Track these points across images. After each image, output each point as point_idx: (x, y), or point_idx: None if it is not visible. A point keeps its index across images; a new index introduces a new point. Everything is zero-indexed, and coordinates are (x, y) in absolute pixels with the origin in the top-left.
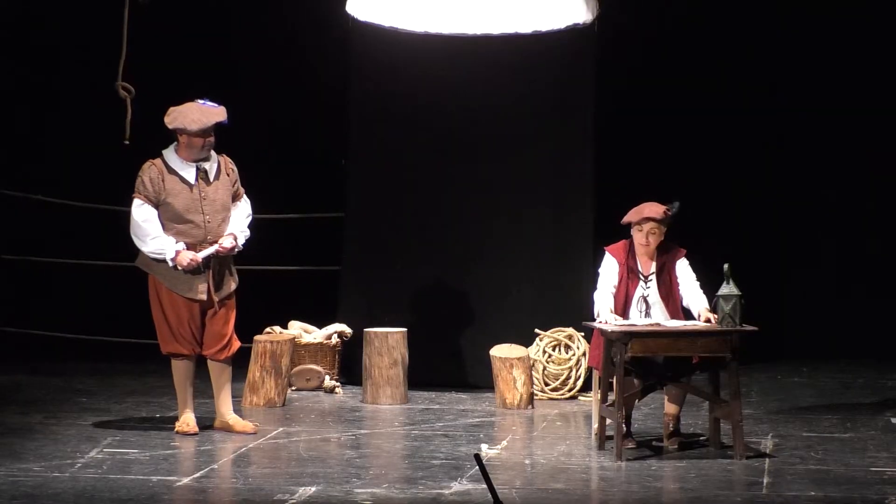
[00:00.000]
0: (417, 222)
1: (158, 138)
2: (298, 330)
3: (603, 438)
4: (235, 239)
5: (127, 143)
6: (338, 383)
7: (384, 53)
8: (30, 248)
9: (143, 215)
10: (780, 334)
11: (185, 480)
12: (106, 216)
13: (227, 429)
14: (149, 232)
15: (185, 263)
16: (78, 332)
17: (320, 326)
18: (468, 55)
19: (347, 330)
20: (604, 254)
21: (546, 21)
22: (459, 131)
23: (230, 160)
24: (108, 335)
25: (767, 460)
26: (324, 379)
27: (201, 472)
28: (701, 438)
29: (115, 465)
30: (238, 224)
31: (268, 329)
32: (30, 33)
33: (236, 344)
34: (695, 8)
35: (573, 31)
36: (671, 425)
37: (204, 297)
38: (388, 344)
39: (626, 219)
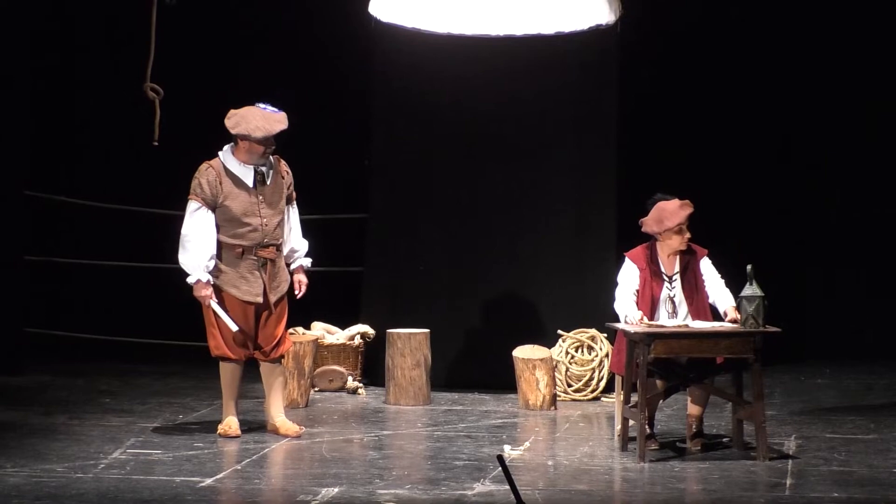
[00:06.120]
0: (440, 223)
1: (187, 140)
2: (321, 331)
3: (626, 439)
4: (302, 283)
5: (156, 144)
6: (360, 384)
7: (407, 54)
8: (54, 250)
9: (193, 224)
10: (803, 335)
11: (209, 481)
12: (131, 217)
13: (275, 431)
14: (190, 242)
15: (196, 294)
16: (101, 333)
17: (343, 327)
18: (490, 56)
19: (370, 331)
20: (623, 259)
21: (569, 22)
22: (482, 132)
23: (284, 162)
24: (131, 336)
25: (791, 461)
26: (346, 380)
27: (224, 472)
28: (724, 439)
29: (139, 466)
30: (301, 251)
31: (291, 330)
32: (57, 34)
33: (287, 344)
34: (718, 8)
35: (596, 32)
36: (694, 426)
37: (260, 299)
38: (411, 345)
39: (663, 227)
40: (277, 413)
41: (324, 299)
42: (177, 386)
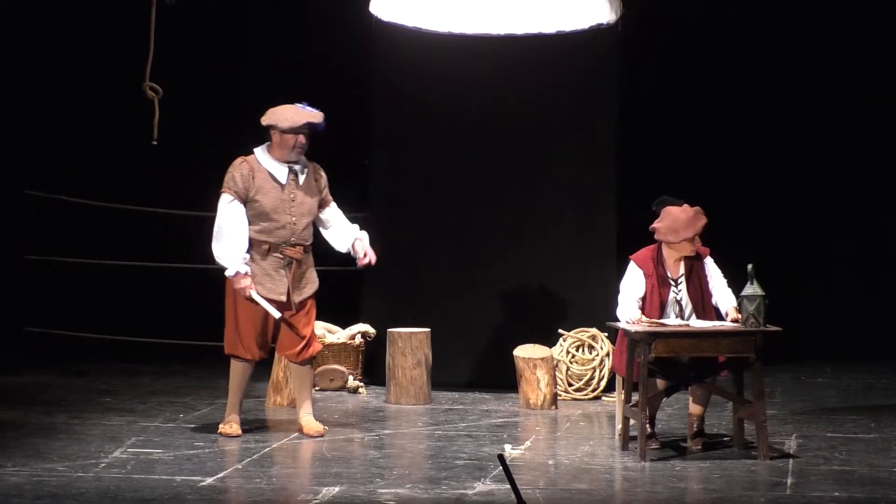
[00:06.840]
0: (440, 222)
1: (186, 139)
2: (322, 330)
3: (627, 439)
4: (366, 254)
5: (155, 143)
6: (361, 383)
7: (407, 53)
8: (54, 248)
9: (228, 216)
10: (803, 335)
11: (209, 480)
12: (131, 216)
13: (300, 430)
14: (226, 236)
15: (236, 286)
16: (102, 333)
17: (344, 326)
18: (491, 55)
19: (371, 330)
20: (628, 262)
21: (569, 21)
22: (482, 131)
23: (320, 167)
24: (132, 335)
25: (791, 461)
26: (347, 379)
27: (225, 472)
28: (725, 439)
29: (139, 465)
30: (353, 232)
31: None
32: (56, 33)
33: (315, 346)
34: (719, 8)
35: (597, 32)
36: (695, 426)
37: (283, 298)
38: (412, 344)
39: (679, 237)
40: (304, 413)
41: (324, 298)
42: (177, 385)
